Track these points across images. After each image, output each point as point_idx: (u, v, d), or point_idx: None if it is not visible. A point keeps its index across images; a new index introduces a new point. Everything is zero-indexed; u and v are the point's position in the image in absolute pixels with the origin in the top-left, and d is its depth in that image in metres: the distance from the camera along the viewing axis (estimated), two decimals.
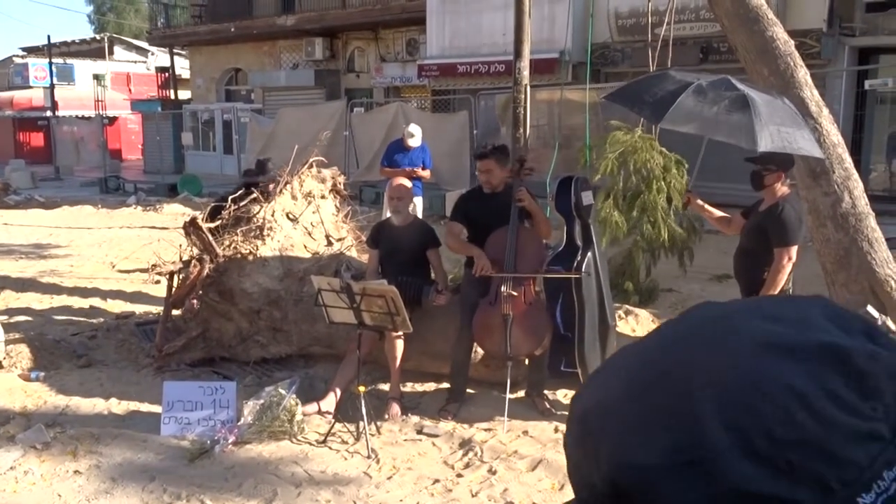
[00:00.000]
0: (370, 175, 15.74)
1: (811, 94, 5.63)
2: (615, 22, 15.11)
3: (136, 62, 35.92)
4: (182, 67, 28.63)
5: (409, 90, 20.80)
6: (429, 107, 19.02)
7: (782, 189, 4.36)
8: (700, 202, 4.71)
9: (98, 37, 38.45)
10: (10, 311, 7.39)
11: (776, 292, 4.22)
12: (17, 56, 36.88)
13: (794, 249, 4.22)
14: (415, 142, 9.01)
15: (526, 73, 8.36)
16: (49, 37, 29.41)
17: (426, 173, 9.19)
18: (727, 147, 4.34)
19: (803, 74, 5.73)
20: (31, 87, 31.90)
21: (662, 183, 7.40)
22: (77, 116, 29.14)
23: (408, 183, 5.82)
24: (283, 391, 4.70)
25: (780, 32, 5.84)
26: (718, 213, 4.78)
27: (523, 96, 8.43)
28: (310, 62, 22.67)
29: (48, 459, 4.23)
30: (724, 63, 12.68)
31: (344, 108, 17.53)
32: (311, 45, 22.12)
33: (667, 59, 9.08)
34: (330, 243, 6.18)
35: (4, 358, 5.78)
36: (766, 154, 4.21)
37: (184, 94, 27.73)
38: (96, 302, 7.76)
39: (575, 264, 5.20)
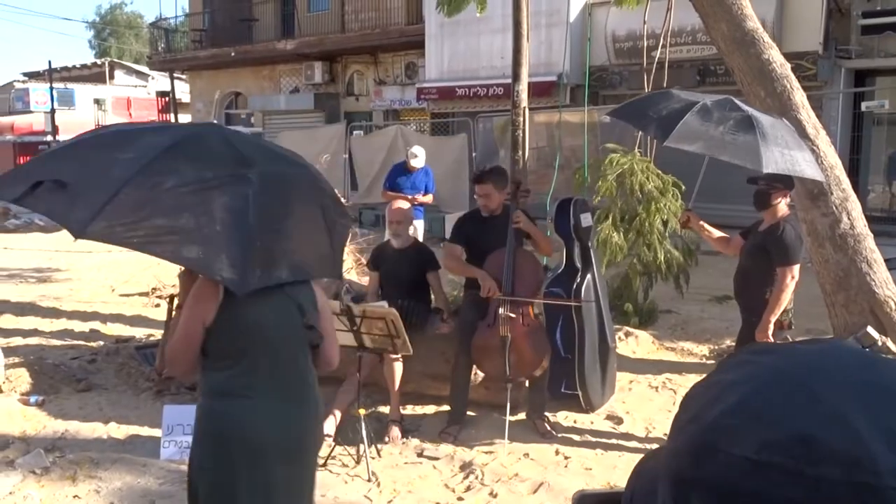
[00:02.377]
0: (370, 198, 15.79)
1: (808, 116, 5.67)
2: (612, 45, 15.23)
3: (136, 86, 36.11)
4: (182, 91, 28.80)
5: (408, 113, 20.92)
6: (428, 129, 19.12)
7: (783, 209, 4.38)
8: (700, 222, 4.73)
9: (99, 62, 38.69)
10: (10, 335, 7.38)
11: (781, 311, 4.23)
12: (19, 81, 37.06)
13: (796, 268, 4.24)
14: (418, 162, 9.04)
15: (524, 95, 8.40)
16: (50, 62, 29.75)
17: (428, 198, 9.21)
18: (725, 168, 4.37)
19: (800, 97, 5.78)
20: (31, 112, 32.05)
21: (660, 205, 7.44)
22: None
23: (406, 205, 5.87)
24: None
25: (776, 55, 5.90)
26: (717, 233, 4.79)
27: (522, 119, 8.47)
28: (309, 86, 22.82)
29: (47, 484, 4.21)
30: (722, 85, 12.76)
31: (343, 132, 17.62)
32: (310, 69, 22.27)
33: (663, 82, 9.15)
34: None
35: (4, 382, 5.77)
36: (770, 173, 4.24)
37: (184, 118, 27.87)
38: (96, 325, 7.75)
39: (574, 286, 5.21)
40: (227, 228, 2.39)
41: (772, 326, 4.25)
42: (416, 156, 9.07)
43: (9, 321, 8.08)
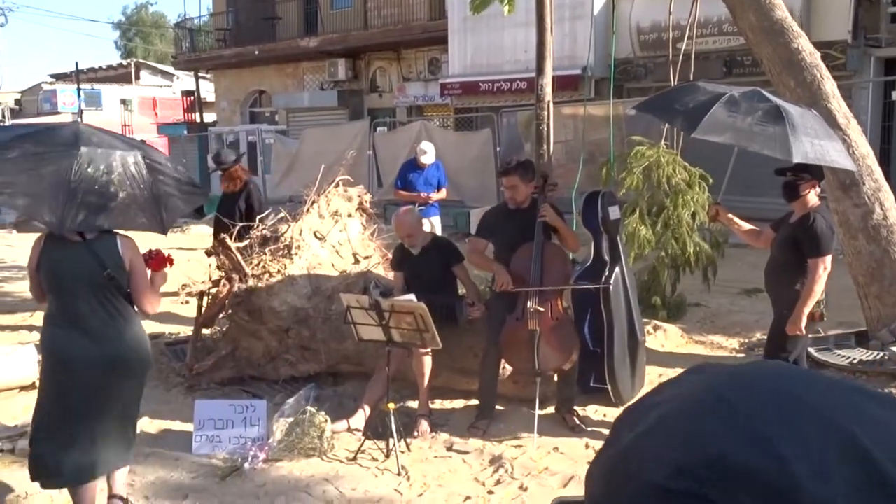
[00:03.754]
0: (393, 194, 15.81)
1: (838, 106, 5.60)
2: (637, 37, 15.13)
3: (161, 86, 36.47)
4: (207, 91, 29.02)
5: (431, 109, 20.94)
6: (451, 125, 19.11)
7: (813, 200, 4.33)
8: (729, 215, 4.68)
9: (124, 62, 39.12)
10: None
11: (813, 302, 4.18)
12: (46, 83, 37.56)
13: (828, 259, 4.19)
14: (428, 158, 8.97)
15: (548, 89, 8.36)
16: (77, 63, 29.99)
17: (442, 194, 9.14)
18: (754, 160, 4.32)
19: (830, 86, 5.71)
20: (59, 113, 32.45)
21: (687, 198, 7.37)
22: None
23: (410, 216, 5.44)
24: (311, 408, 4.72)
25: (805, 44, 5.83)
26: (747, 225, 4.74)
27: (546, 113, 8.44)
28: (333, 83, 22.90)
29: None
30: (749, 76, 12.63)
31: (367, 128, 17.66)
32: (333, 66, 22.35)
33: (689, 74, 9.07)
34: (357, 261, 6.21)
35: (38, 379, 5.86)
36: (799, 164, 4.20)
37: (209, 117, 28.10)
38: None
39: (603, 279, 5.18)
40: (51, 186, 3.29)
41: (805, 318, 4.20)
42: (425, 152, 8.99)
43: (41, 319, 8.19)
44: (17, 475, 4.20)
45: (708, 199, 7.37)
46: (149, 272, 3.69)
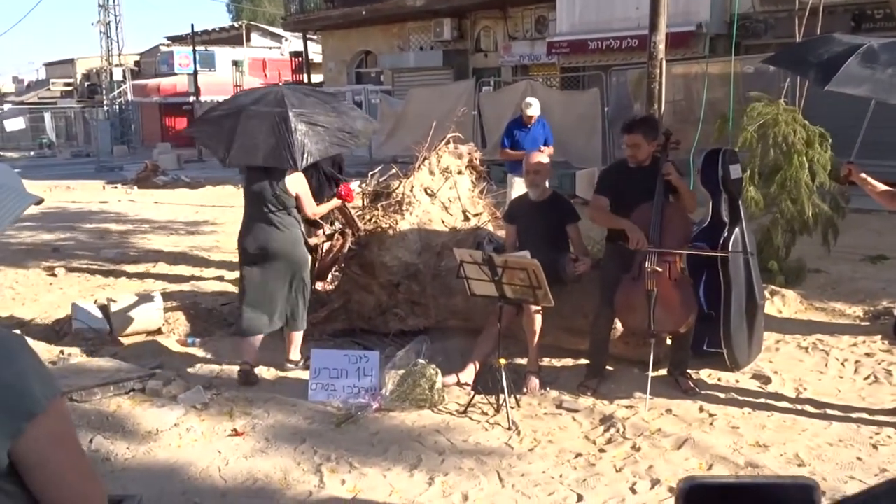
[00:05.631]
0: (498, 154, 15.72)
1: None
2: None
3: (271, 48, 37.25)
4: (314, 52, 29.47)
5: (537, 68, 20.62)
6: (557, 84, 18.79)
7: None
8: (862, 175, 4.42)
9: (236, 25, 40.11)
10: (166, 282, 7.87)
11: None
12: (163, 45, 39.00)
13: None
14: (533, 111, 8.79)
15: (661, 46, 8.07)
16: (192, 26, 30.89)
17: (549, 151, 9.00)
18: (885, 122, 4.03)
19: None
20: (175, 75, 33.67)
21: (804, 158, 6.98)
22: (218, 101, 30.47)
23: (545, 157, 5.80)
24: (421, 361, 4.79)
25: None
26: (882, 186, 4.47)
27: (658, 71, 8.16)
28: (438, 43, 22.84)
29: (207, 419, 4.48)
30: (880, 31, 11.86)
31: (472, 88, 17.57)
32: (439, 26, 22.27)
33: (816, 29, 8.58)
34: (467, 218, 6.22)
35: (163, 325, 6.17)
36: None
37: (316, 78, 28.57)
38: None
39: (721, 241, 5.01)
40: (225, 136, 5.11)
41: None
42: (530, 105, 8.82)
43: (164, 269, 8.61)
44: (149, 413, 4.46)
45: (831, 158, 6.99)
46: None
